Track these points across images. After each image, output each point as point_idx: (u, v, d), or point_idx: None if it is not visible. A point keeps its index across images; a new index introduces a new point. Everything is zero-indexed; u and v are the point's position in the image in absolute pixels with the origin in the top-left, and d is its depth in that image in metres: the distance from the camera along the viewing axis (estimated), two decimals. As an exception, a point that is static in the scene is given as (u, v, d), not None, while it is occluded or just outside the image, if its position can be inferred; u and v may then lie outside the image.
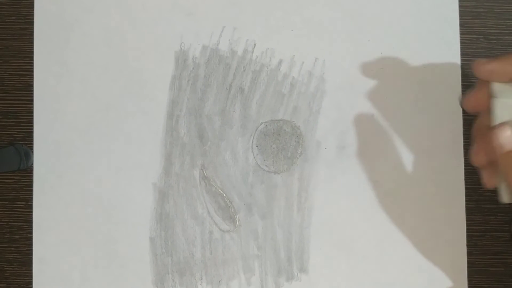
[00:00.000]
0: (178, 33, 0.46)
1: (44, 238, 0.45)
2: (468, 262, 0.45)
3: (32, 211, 0.45)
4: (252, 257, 0.45)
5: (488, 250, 0.45)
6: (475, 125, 0.39)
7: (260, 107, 0.45)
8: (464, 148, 0.45)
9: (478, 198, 0.45)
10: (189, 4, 0.46)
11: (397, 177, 0.45)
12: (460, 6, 0.46)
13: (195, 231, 0.45)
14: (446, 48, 0.46)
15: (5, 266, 0.45)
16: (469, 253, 0.45)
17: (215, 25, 0.46)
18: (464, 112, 0.45)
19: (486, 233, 0.45)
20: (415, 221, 0.45)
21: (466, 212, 0.45)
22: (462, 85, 0.45)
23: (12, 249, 0.45)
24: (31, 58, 0.46)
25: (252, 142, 0.45)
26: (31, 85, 0.46)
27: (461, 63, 0.45)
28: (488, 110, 0.38)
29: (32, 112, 0.45)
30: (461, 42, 0.46)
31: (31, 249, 0.45)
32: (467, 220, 0.45)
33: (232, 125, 0.45)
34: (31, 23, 0.46)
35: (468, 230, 0.45)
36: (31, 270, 0.45)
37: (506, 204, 0.45)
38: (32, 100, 0.46)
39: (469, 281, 0.45)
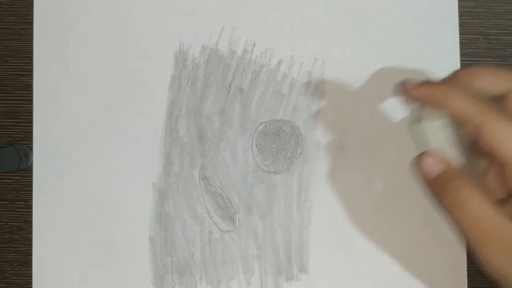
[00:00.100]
0: (177, 33, 0.46)
1: (43, 238, 0.45)
2: (468, 262, 0.45)
3: (31, 211, 0.45)
4: (252, 257, 0.45)
5: (488, 250, 0.45)
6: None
7: (259, 107, 0.45)
8: (464, 148, 0.45)
9: (478, 198, 0.45)
10: (188, 4, 0.46)
11: (397, 177, 0.45)
12: (459, 6, 0.46)
13: (194, 231, 0.45)
14: (445, 48, 0.46)
15: (4, 266, 0.45)
16: (469, 253, 0.45)
17: (214, 25, 0.46)
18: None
19: (486, 233, 0.45)
20: (415, 221, 0.45)
21: (465, 212, 0.45)
22: (462, 85, 0.45)
23: (12, 249, 0.45)
24: (31, 58, 0.46)
25: (252, 142, 0.45)
26: (31, 85, 0.46)
27: (461, 63, 0.45)
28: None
29: (31, 112, 0.45)
30: (460, 42, 0.46)
31: (31, 249, 0.45)
32: (466, 220, 0.45)
33: (231, 125, 0.45)
34: (30, 23, 0.46)
35: (467, 230, 0.45)
36: (31, 270, 0.45)
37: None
38: (31, 100, 0.46)
39: (469, 281, 0.45)
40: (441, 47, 0.46)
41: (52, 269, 0.45)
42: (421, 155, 0.36)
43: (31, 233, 0.45)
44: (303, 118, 0.45)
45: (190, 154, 0.45)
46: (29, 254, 0.45)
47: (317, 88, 0.45)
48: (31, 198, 0.45)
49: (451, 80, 0.37)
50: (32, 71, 0.46)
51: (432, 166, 0.35)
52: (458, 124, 0.36)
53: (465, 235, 0.34)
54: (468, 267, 0.45)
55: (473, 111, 0.34)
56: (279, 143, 0.45)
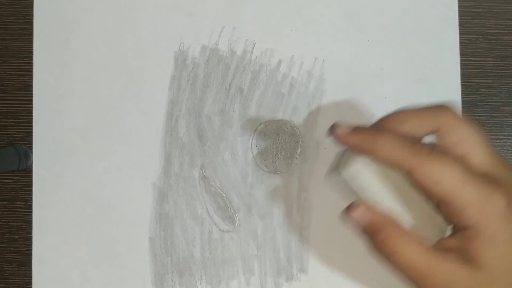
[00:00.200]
0: (177, 33, 0.46)
1: (43, 238, 0.45)
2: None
3: (31, 211, 0.45)
4: (252, 257, 0.45)
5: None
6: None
7: (259, 107, 0.45)
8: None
9: (478, 198, 0.45)
10: (188, 4, 0.46)
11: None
12: (459, 6, 0.46)
13: (194, 231, 0.45)
14: (445, 48, 0.46)
15: (4, 266, 0.45)
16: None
17: (214, 25, 0.46)
18: (463, 112, 0.45)
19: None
20: (414, 221, 0.45)
21: (465, 212, 0.45)
22: (462, 85, 0.45)
23: (12, 249, 0.45)
24: (31, 58, 0.46)
25: (252, 142, 0.45)
26: (31, 85, 0.46)
27: (461, 63, 0.45)
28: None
29: (31, 112, 0.45)
30: (460, 42, 0.46)
31: (31, 249, 0.45)
32: (466, 220, 0.45)
33: (231, 125, 0.45)
34: (30, 23, 0.46)
35: (467, 230, 0.45)
36: (31, 270, 0.45)
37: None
38: (31, 100, 0.46)
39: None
40: (441, 47, 0.46)
41: (52, 269, 0.45)
42: (349, 206, 0.36)
43: (31, 233, 0.45)
44: (303, 118, 0.45)
45: (190, 154, 0.45)
46: (29, 254, 0.45)
47: (317, 88, 0.45)
48: (31, 198, 0.45)
49: (380, 125, 0.37)
50: (32, 71, 0.46)
51: (360, 218, 0.36)
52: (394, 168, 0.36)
53: (403, 279, 0.35)
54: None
55: (403, 156, 0.34)
56: (279, 143, 0.45)
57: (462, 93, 0.45)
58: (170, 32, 0.46)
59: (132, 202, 0.45)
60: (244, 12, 0.46)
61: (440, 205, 0.35)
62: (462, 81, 0.45)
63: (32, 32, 0.46)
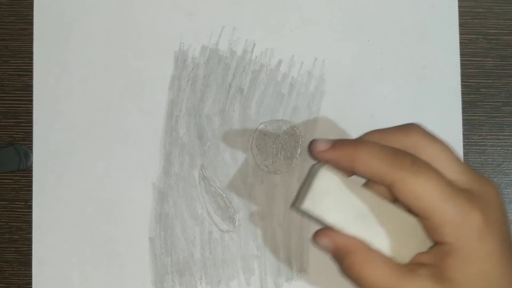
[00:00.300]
0: (177, 33, 0.46)
1: (43, 238, 0.45)
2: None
3: (31, 211, 0.45)
4: (252, 257, 0.45)
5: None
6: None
7: (259, 107, 0.45)
8: (464, 149, 0.45)
9: (478, 198, 0.45)
10: (188, 4, 0.46)
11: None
12: (459, 6, 0.46)
13: (194, 231, 0.45)
14: (445, 48, 0.46)
15: (4, 266, 0.45)
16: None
17: (214, 25, 0.46)
18: (463, 112, 0.45)
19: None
20: (414, 221, 0.45)
21: (465, 212, 0.45)
22: (462, 85, 0.45)
23: (12, 249, 0.45)
24: (31, 58, 0.46)
25: (252, 142, 0.45)
26: (31, 85, 0.46)
27: (461, 63, 0.45)
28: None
29: (31, 112, 0.45)
30: (460, 42, 0.46)
31: (31, 249, 0.45)
32: (466, 220, 0.45)
33: (231, 125, 0.45)
34: (30, 23, 0.46)
35: (467, 230, 0.45)
36: (31, 270, 0.45)
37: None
38: (31, 100, 0.46)
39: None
40: (441, 47, 0.46)
41: (52, 269, 0.45)
42: (316, 233, 0.37)
43: (31, 233, 0.45)
44: (303, 118, 0.45)
45: (190, 154, 0.45)
46: (29, 254, 0.45)
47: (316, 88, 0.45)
48: (31, 198, 0.45)
49: (361, 139, 0.37)
50: (32, 71, 0.46)
51: (326, 245, 0.37)
52: (374, 182, 0.36)
53: None
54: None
55: (384, 170, 0.34)
56: (279, 143, 0.45)
57: (462, 93, 0.45)
58: (170, 32, 0.46)
59: (132, 202, 0.45)
60: (244, 12, 0.46)
61: (421, 220, 0.35)
62: (462, 81, 0.45)
63: (32, 32, 0.46)
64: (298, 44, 0.46)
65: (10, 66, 0.46)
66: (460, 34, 0.46)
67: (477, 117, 0.45)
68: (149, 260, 0.45)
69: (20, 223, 0.45)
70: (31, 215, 0.45)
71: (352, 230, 0.36)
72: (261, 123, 0.45)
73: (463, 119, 0.45)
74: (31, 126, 0.45)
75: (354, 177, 0.37)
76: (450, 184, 0.34)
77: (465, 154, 0.45)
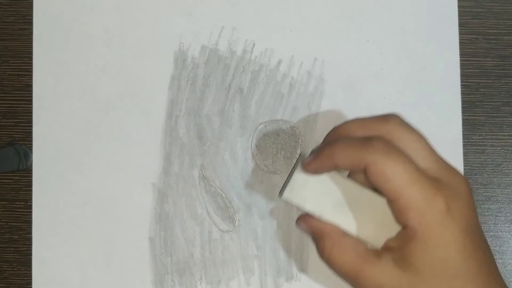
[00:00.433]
0: (177, 33, 0.46)
1: (43, 238, 0.45)
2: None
3: (31, 211, 0.45)
4: (252, 257, 0.45)
5: (488, 250, 0.45)
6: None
7: (259, 107, 0.45)
8: (464, 149, 0.45)
9: (477, 198, 0.45)
10: (188, 4, 0.46)
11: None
12: (459, 6, 0.46)
13: (194, 231, 0.45)
14: (445, 48, 0.46)
15: (4, 266, 0.45)
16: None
17: (214, 25, 0.46)
18: (463, 112, 0.45)
19: (486, 233, 0.45)
20: (414, 221, 0.45)
21: (465, 212, 0.45)
22: (462, 85, 0.45)
23: (12, 249, 0.45)
24: (30, 58, 0.46)
25: (251, 142, 0.45)
26: (30, 85, 0.46)
27: (460, 63, 0.45)
28: None
29: (31, 112, 0.45)
30: (460, 42, 0.46)
31: (31, 249, 0.45)
32: (466, 220, 0.45)
33: (231, 125, 0.45)
34: (30, 23, 0.46)
35: (467, 230, 0.45)
36: (31, 270, 0.45)
37: (502, 204, 0.45)
38: (31, 100, 0.46)
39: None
40: (441, 47, 0.46)
41: (52, 269, 0.45)
42: (297, 219, 0.39)
43: (31, 233, 0.45)
44: (303, 118, 0.45)
45: (189, 154, 0.45)
46: (29, 254, 0.45)
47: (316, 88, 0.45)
48: (31, 198, 0.45)
49: (332, 136, 0.39)
50: (31, 71, 0.46)
51: (305, 230, 0.39)
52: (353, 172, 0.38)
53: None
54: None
55: (358, 155, 0.36)
56: (278, 143, 0.45)
57: (462, 93, 0.45)
58: (170, 32, 0.46)
59: (132, 202, 0.45)
60: (244, 12, 0.46)
61: (390, 203, 0.36)
62: (462, 81, 0.45)
63: (32, 32, 0.46)
64: (298, 44, 0.46)
65: (10, 66, 0.46)
66: (460, 34, 0.46)
67: (477, 117, 0.45)
68: (149, 260, 0.45)
69: (20, 223, 0.45)
70: (31, 215, 0.45)
71: (329, 217, 0.38)
72: (261, 123, 0.45)
73: (463, 119, 0.45)
74: (31, 126, 0.45)
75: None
76: (418, 170, 0.35)
77: (465, 154, 0.45)
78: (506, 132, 0.45)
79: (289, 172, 0.40)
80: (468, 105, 0.45)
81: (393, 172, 0.35)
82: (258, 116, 0.45)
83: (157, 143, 0.45)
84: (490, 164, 0.45)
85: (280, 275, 0.45)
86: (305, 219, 0.39)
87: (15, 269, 0.45)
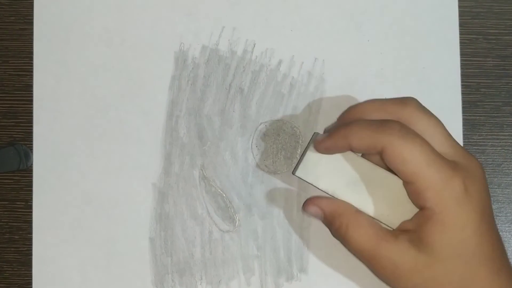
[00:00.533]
0: (177, 33, 0.46)
1: (43, 238, 0.45)
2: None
3: (31, 212, 0.45)
4: (252, 257, 0.45)
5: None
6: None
7: (259, 107, 0.45)
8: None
9: (478, 198, 0.45)
10: (188, 4, 0.46)
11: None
12: (459, 6, 0.46)
13: (194, 231, 0.45)
14: (445, 48, 0.46)
15: (4, 266, 0.45)
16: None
17: (214, 25, 0.46)
18: (463, 112, 0.45)
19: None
20: (414, 221, 0.45)
21: (465, 212, 0.45)
22: (462, 85, 0.45)
23: (12, 249, 0.45)
24: (31, 58, 0.46)
25: (252, 142, 0.45)
26: (31, 85, 0.46)
27: (461, 63, 0.45)
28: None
29: (31, 113, 0.45)
30: (460, 42, 0.46)
31: (31, 250, 0.45)
32: (466, 220, 0.45)
33: (231, 125, 0.45)
34: (30, 23, 0.46)
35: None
36: (31, 270, 0.45)
37: (502, 204, 0.45)
38: (31, 100, 0.46)
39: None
40: (441, 47, 0.46)
41: (52, 269, 0.45)
42: (304, 203, 0.40)
43: (31, 233, 0.45)
44: (303, 118, 0.45)
45: (190, 154, 0.45)
46: (29, 254, 0.45)
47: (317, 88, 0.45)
48: (31, 198, 0.45)
49: (347, 116, 0.40)
50: (32, 71, 0.46)
51: (315, 213, 0.40)
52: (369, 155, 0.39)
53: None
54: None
55: (375, 137, 0.36)
56: (279, 143, 0.45)
57: (462, 93, 0.45)
58: (170, 32, 0.46)
59: (132, 202, 0.45)
60: (244, 12, 0.46)
61: (406, 185, 0.37)
62: (462, 81, 0.45)
63: (32, 32, 0.46)
64: (298, 44, 0.46)
65: (10, 66, 0.46)
66: (460, 34, 0.46)
67: (477, 117, 0.46)
68: (149, 260, 0.45)
69: (20, 223, 0.45)
70: (31, 215, 0.45)
71: (343, 195, 0.39)
72: (261, 123, 0.45)
73: (463, 119, 0.45)
74: (31, 126, 0.45)
75: None
76: (435, 151, 0.36)
77: (465, 154, 0.45)
78: (507, 132, 0.45)
79: (304, 149, 0.40)
80: (468, 105, 0.46)
81: (410, 153, 0.35)
82: (258, 116, 0.45)
83: (157, 143, 0.45)
84: (491, 164, 0.45)
85: (281, 275, 0.45)
86: (314, 202, 0.39)
87: (16, 269, 0.45)
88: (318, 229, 0.45)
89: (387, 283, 0.38)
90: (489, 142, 0.45)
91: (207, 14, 0.46)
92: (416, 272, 0.36)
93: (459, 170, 0.36)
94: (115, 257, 0.45)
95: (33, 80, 0.46)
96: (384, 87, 0.45)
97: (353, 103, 0.45)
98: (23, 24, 0.46)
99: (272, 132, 0.45)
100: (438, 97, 0.45)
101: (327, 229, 0.44)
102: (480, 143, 0.45)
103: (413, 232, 0.37)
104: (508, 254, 0.45)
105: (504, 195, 0.45)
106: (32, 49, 0.46)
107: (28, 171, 0.45)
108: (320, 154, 0.39)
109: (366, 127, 0.37)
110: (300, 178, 0.40)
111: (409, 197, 0.37)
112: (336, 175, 0.39)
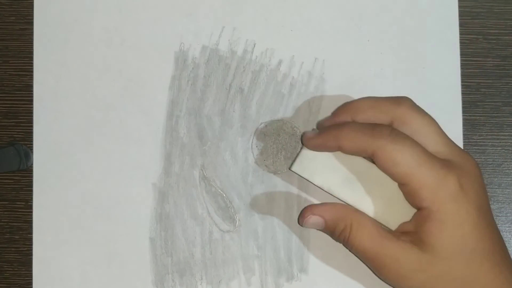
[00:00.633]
0: (177, 33, 0.46)
1: (44, 239, 0.45)
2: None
3: (32, 212, 0.45)
4: (252, 257, 0.45)
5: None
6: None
7: (259, 107, 0.45)
8: (464, 149, 0.45)
9: (478, 198, 0.45)
10: (188, 4, 0.46)
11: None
12: (459, 6, 0.46)
13: (195, 231, 0.45)
14: (445, 48, 0.46)
15: (5, 266, 0.45)
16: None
17: (214, 25, 0.46)
18: (463, 112, 0.45)
19: (485, 233, 0.45)
20: (415, 221, 0.45)
21: (465, 212, 0.45)
22: (462, 85, 0.45)
23: (12, 249, 0.45)
24: (31, 58, 0.46)
25: (252, 142, 0.45)
26: (31, 85, 0.46)
27: (461, 63, 0.46)
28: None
29: (31, 112, 0.45)
30: (460, 42, 0.46)
31: (31, 250, 0.45)
32: (466, 220, 0.45)
33: (231, 125, 0.45)
34: (30, 23, 0.46)
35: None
36: (31, 270, 0.45)
37: (502, 204, 0.45)
38: (31, 100, 0.46)
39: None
40: (441, 47, 0.46)
41: (52, 269, 0.45)
42: (302, 215, 0.40)
43: (31, 233, 0.45)
44: (303, 118, 0.45)
45: (190, 154, 0.45)
46: (29, 254, 0.45)
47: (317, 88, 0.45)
48: (31, 198, 0.45)
49: (340, 113, 0.40)
50: (32, 71, 0.46)
51: (317, 223, 0.40)
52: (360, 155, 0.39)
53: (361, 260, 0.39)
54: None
55: (366, 141, 0.36)
56: (279, 143, 0.45)
57: (462, 93, 0.45)
58: (170, 32, 0.46)
59: (132, 202, 0.45)
60: (244, 12, 0.46)
61: (401, 187, 0.37)
62: (462, 81, 0.46)
63: (32, 32, 0.46)
64: (298, 44, 0.46)
65: (10, 66, 0.46)
66: (460, 34, 0.46)
67: (477, 117, 0.46)
68: (149, 260, 0.45)
69: (20, 223, 0.45)
70: (31, 215, 0.45)
71: (338, 192, 0.39)
72: (261, 123, 0.45)
73: (463, 119, 0.45)
74: (31, 126, 0.45)
75: None
76: (427, 152, 0.36)
77: (465, 154, 0.45)
78: (507, 132, 0.45)
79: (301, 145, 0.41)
80: (468, 105, 0.46)
81: (401, 155, 0.36)
82: (258, 116, 0.45)
83: (157, 143, 0.45)
84: (491, 164, 0.45)
85: (281, 275, 0.45)
86: (313, 211, 0.39)
87: (16, 269, 0.45)
88: (318, 229, 0.45)
89: (389, 282, 0.38)
90: (489, 142, 0.45)
91: (207, 14, 0.46)
92: (420, 271, 0.36)
93: (453, 168, 0.36)
94: (115, 257, 0.45)
95: (33, 80, 0.46)
96: (384, 87, 0.45)
97: (353, 103, 0.45)
98: (23, 24, 0.46)
99: (272, 132, 0.45)
100: (438, 97, 0.45)
101: (327, 229, 0.44)
102: (480, 143, 0.45)
103: (414, 233, 0.37)
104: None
105: (504, 195, 0.45)
106: (32, 49, 0.46)
107: (28, 171, 0.45)
108: (313, 157, 0.40)
109: (357, 130, 0.37)
110: (296, 173, 0.40)
111: (406, 199, 0.37)
112: (332, 172, 0.39)
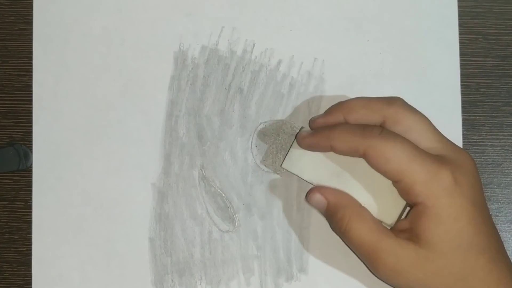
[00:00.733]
0: (177, 33, 0.46)
1: (43, 239, 0.45)
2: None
3: (31, 212, 0.45)
4: (252, 257, 0.45)
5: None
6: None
7: (259, 107, 0.45)
8: (464, 149, 0.45)
9: (478, 198, 0.45)
10: (188, 4, 0.46)
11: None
12: (459, 6, 0.46)
13: (194, 231, 0.45)
14: (445, 48, 0.46)
15: (4, 266, 0.45)
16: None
17: (214, 25, 0.46)
18: (463, 112, 0.45)
19: (485, 233, 0.45)
20: (414, 221, 0.45)
21: (465, 212, 0.45)
22: (462, 85, 0.45)
23: (12, 249, 0.45)
24: (30, 58, 0.46)
25: (251, 142, 0.45)
26: (30, 86, 0.46)
27: (460, 63, 0.45)
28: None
29: (31, 113, 0.45)
30: (460, 42, 0.46)
31: (31, 250, 0.45)
32: (466, 220, 0.45)
33: (231, 125, 0.45)
34: (30, 23, 0.46)
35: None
36: (31, 270, 0.45)
37: (502, 204, 0.45)
38: (31, 101, 0.46)
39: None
40: (441, 47, 0.46)
41: (52, 269, 0.45)
42: (309, 192, 0.40)
43: (30, 233, 0.45)
44: (303, 118, 0.45)
45: (189, 154, 0.45)
46: (29, 254, 0.45)
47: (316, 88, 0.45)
48: (31, 199, 0.45)
49: (332, 112, 0.40)
50: (31, 71, 0.46)
51: (319, 202, 0.40)
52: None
53: (355, 253, 0.39)
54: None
55: (357, 141, 0.37)
56: (279, 143, 0.45)
57: (462, 93, 0.45)
58: (170, 32, 0.46)
59: (132, 202, 0.45)
60: (244, 12, 0.46)
61: (395, 184, 0.37)
62: (462, 81, 0.45)
63: (32, 32, 0.46)
64: (298, 44, 0.46)
65: (10, 66, 0.46)
66: (460, 34, 0.46)
67: (477, 117, 0.46)
68: (149, 260, 0.45)
69: (20, 223, 0.45)
70: (31, 215, 0.45)
71: (328, 186, 0.40)
72: (261, 123, 0.45)
73: (463, 119, 0.45)
74: (31, 126, 0.45)
75: None
76: (417, 148, 0.36)
77: (465, 154, 0.45)
78: (506, 132, 0.45)
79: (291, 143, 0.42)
80: (468, 105, 0.45)
81: (392, 152, 0.36)
82: (258, 116, 0.45)
83: (157, 143, 0.45)
84: (490, 164, 0.45)
85: (280, 275, 0.45)
86: (320, 190, 0.40)
87: (15, 269, 0.45)
88: (318, 229, 0.45)
89: (385, 278, 0.38)
90: (488, 142, 0.45)
91: (207, 14, 0.46)
92: (418, 267, 0.36)
93: (446, 163, 0.36)
94: (115, 257, 0.45)
95: (32, 80, 0.46)
96: (384, 87, 0.45)
97: (352, 103, 0.45)
98: (23, 24, 0.46)
99: (271, 132, 0.45)
100: (438, 97, 0.45)
101: (327, 229, 0.44)
102: (480, 143, 0.45)
103: (410, 230, 0.37)
104: (508, 254, 0.45)
105: (504, 195, 0.45)
106: (32, 49, 0.46)
107: (28, 171, 0.45)
108: (302, 154, 0.40)
109: (348, 131, 0.38)
110: (286, 170, 0.41)
111: (401, 197, 0.38)
112: (321, 167, 0.40)
